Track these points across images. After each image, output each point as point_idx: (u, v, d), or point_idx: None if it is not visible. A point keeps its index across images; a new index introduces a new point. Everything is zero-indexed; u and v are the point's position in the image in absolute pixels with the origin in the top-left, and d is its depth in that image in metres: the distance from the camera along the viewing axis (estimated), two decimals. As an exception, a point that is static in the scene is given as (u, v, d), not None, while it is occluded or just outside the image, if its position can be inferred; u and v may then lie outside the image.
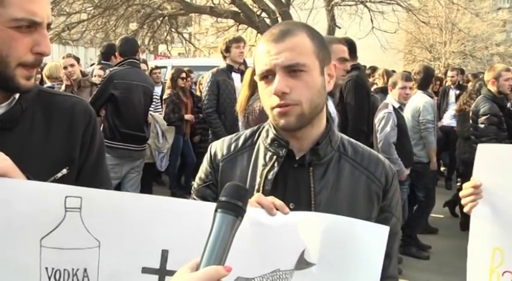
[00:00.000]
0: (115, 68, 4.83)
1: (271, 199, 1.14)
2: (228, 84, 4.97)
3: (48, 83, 5.55)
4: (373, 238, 1.13)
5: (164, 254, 1.10)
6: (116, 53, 4.90)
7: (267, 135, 1.38)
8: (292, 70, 1.25)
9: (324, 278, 1.12)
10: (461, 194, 1.69)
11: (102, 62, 6.32)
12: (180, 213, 1.11)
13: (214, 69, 5.09)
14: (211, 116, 4.96)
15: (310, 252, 1.11)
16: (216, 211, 0.94)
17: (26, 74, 1.21)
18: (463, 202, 1.69)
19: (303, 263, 1.11)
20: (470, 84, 6.85)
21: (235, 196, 0.95)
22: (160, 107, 6.87)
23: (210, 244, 0.90)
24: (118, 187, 4.87)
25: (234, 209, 0.93)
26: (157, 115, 5.95)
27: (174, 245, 1.10)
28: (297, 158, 1.34)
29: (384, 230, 1.14)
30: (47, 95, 1.36)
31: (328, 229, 1.12)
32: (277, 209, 1.13)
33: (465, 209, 1.69)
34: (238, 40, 5.10)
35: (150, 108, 5.76)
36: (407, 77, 4.95)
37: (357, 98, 4.02)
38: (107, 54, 6.28)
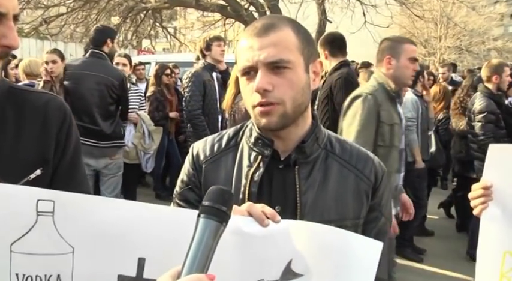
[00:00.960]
0: (74, 58, 4.85)
1: (262, 207, 1.12)
2: (212, 85, 4.95)
3: (26, 81, 5.46)
4: (365, 252, 1.11)
5: (141, 263, 1.09)
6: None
7: (251, 135, 1.37)
8: (276, 67, 1.24)
9: None
10: (470, 195, 1.67)
11: None
12: (158, 220, 1.09)
13: (198, 68, 5.03)
14: (198, 119, 4.89)
15: (298, 262, 1.09)
16: (198, 216, 0.92)
17: None
18: (472, 203, 1.66)
19: (289, 273, 1.10)
20: (465, 80, 6.86)
21: (219, 201, 0.93)
22: (145, 104, 6.83)
23: (192, 250, 0.89)
24: (97, 190, 4.81)
25: (218, 214, 0.92)
26: (144, 114, 5.91)
27: (151, 253, 1.09)
28: (282, 158, 1.33)
29: (377, 246, 1.12)
30: (18, 92, 1.34)
31: (319, 239, 1.10)
32: (267, 218, 1.11)
33: (475, 212, 1.66)
34: (219, 38, 5.08)
35: (135, 106, 5.72)
36: None
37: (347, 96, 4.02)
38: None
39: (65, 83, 4.56)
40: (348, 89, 3.99)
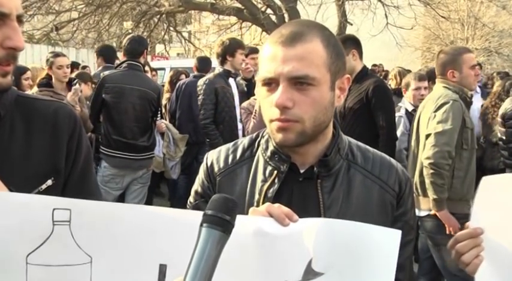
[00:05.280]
0: (112, 71, 4.91)
1: (278, 207, 1.13)
2: (227, 91, 4.96)
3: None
4: (384, 242, 1.14)
5: (162, 270, 1.09)
6: (121, 53, 4.97)
7: (267, 147, 1.36)
8: (299, 82, 1.22)
9: None
10: (457, 249, 1.40)
11: (106, 64, 6.36)
12: (178, 223, 1.11)
13: (211, 75, 5.10)
14: (209, 127, 4.94)
15: (318, 261, 1.11)
16: (201, 225, 0.93)
17: (0, 71, 1.20)
18: (465, 259, 1.38)
19: (310, 273, 1.11)
20: (498, 84, 6.76)
21: (223, 209, 0.94)
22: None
23: (194, 262, 0.90)
24: (121, 199, 4.88)
25: (221, 223, 0.93)
26: (168, 123, 6.05)
27: (172, 258, 1.09)
28: (302, 171, 1.33)
29: (395, 234, 1.15)
30: (26, 100, 1.36)
31: (336, 235, 1.13)
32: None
33: (469, 270, 1.37)
34: (242, 46, 5.10)
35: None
36: (420, 77, 5.00)
37: (389, 105, 4.03)
38: (109, 56, 6.36)
39: (105, 96, 4.61)
40: (388, 97, 4.07)
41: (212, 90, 4.89)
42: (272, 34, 1.30)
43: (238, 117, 4.96)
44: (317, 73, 1.23)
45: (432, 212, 3.46)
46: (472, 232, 1.38)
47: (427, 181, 3.36)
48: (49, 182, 1.29)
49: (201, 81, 5.08)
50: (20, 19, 1.21)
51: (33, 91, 4.79)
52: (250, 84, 5.07)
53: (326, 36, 1.28)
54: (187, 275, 0.89)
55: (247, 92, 5.02)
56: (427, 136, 3.40)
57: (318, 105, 1.25)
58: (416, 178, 3.53)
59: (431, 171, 3.32)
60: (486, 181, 1.40)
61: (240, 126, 4.99)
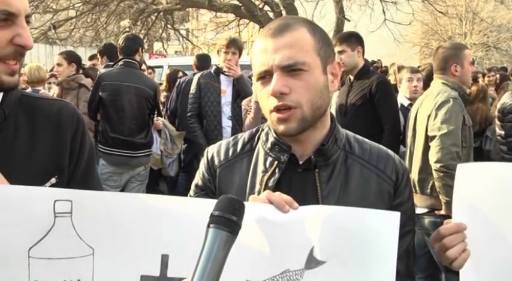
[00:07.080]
0: (108, 69, 4.92)
1: (279, 195, 1.15)
2: (211, 87, 4.98)
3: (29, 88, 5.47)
4: (384, 226, 1.15)
5: (164, 260, 1.10)
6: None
7: (267, 139, 1.38)
8: (292, 69, 1.26)
9: (336, 275, 1.12)
10: (448, 242, 1.32)
11: (109, 63, 6.35)
12: (180, 212, 1.11)
13: (204, 71, 5.22)
14: (189, 120, 5.08)
15: (320, 249, 1.12)
16: (208, 226, 0.94)
17: (8, 69, 1.22)
18: (451, 254, 1.31)
19: (312, 262, 1.12)
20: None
21: (230, 210, 0.95)
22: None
23: (201, 262, 0.90)
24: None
25: (228, 224, 0.93)
26: (165, 120, 6.06)
27: (174, 249, 1.10)
28: (301, 162, 1.35)
29: (394, 217, 1.16)
30: (30, 99, 1.38)
31: (336, 222, 1.14)
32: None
33: (456, 264, 1.31)
34: (226, 45, 4.96)
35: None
36: (413, 69, 5.09)
37: (392, 101, 4.11)
38: (112, 54, 6.35)
39: (101, 94, 4.62)
40: (391, 92, 4.12)
41: (197, 85, 5.02)
42: (261, 31, 1.35)
43: (229, 113, 4.98)
44: (307, 58, 1.27)
45: (428, 210, 3.49)
46: (458, 226, 1.32)
47: (439, 184, 3.33)
48: (53, 180, 1.30)
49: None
50: (27, 20, 1.24)
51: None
52: (240, 84, 4.98)
53: (311, 26, 1.34)
54: (194, 276, 0.89)
55: (237, 94, 4.98)
56: (432, 138, 3.38)
57: (313, 88, 1.28)
58: (414, 175, 3.52)
59: (442, 173, 3.29)
60: (461, 168, 1.34)
61: (229, 122, 4.99)
